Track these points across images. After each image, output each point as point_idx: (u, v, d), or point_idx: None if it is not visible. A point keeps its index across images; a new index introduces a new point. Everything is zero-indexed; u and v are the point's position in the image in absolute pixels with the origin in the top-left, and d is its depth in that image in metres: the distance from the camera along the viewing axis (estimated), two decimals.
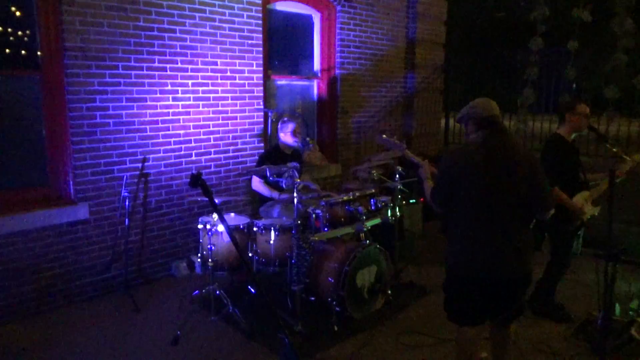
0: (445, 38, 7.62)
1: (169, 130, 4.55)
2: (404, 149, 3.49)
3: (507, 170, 2.53)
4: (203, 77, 4.71)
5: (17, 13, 3.86)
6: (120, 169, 4.27)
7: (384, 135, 3.72)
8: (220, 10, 4.76)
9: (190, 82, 4.62)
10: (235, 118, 5.04)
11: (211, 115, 4.84)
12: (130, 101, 4.27)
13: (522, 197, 2.54)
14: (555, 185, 3.51)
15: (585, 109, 3.69)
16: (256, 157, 5.24)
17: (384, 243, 4.08)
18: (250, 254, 3.91)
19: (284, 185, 3.79)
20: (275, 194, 4.34)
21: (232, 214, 4.39)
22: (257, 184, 4.51)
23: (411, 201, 5.24)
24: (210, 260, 3.79)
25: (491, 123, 2.63)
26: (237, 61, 4.96)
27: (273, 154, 4.53)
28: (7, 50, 3.83)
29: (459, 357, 2.83)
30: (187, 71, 4.59)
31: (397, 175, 4.39)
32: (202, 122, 4.78)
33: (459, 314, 2.76)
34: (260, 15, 5.11)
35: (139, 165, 4.38)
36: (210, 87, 4.79)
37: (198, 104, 4.72)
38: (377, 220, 4.21)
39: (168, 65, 4.46)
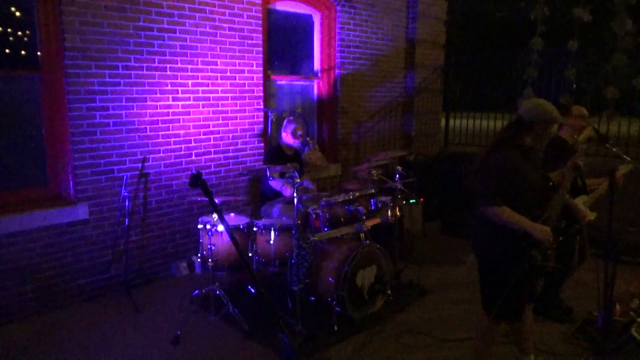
0: (445, 38, 7.61)
1: (168, 130, 4.55)
2: None
3: (473, 166, 2.87)
4: (203, 77, 4.71)
5: (17, 13, 3.86)
6: (120, 169, 4.27)
7: None
8: (220, 10, 4.76)
9: (190, 82, 4.62)
10: (235, 118, 5.04)
11: (211, 115, 4.84)
12: (130, 101, 4.27)
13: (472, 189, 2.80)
14: None
15: (580, 112, 3.71)
16: (256, 157, 5.25)
17: (384, 243, 4.08)
18: (250, 254, 3.91)
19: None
20: (286, 190, 4.26)
21: (232, 214, 4.38)
22: (271, 181, 4.45)
23: (411, 201, 5.24)
24: (210, 260, 3.79)
25: None
26: (237, 61, 4.96)
27: (275, 154, 4.53)
28: (7, 50, 3.83)
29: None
30: (187, 71, 4.59)
31: (397, 175, 4.40)
32: (202, 122, 4.78)
33: None
34: (260, 15, 5.11)
35: (139, 165, 4.38)
36: (210, 87, 4.79)
37: (198, 104, 4.72)
38: (377, 220, 4.21)
39: (168, 65, 4.46)
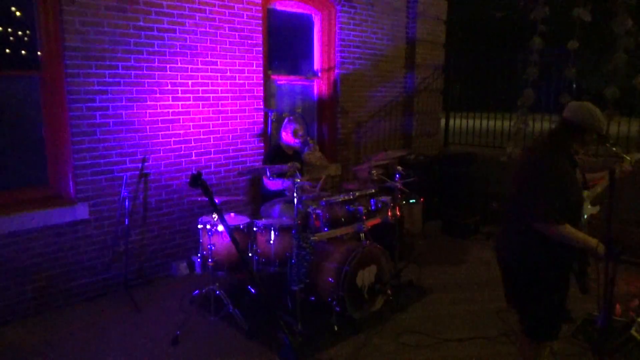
0: (445, 38, 7.61)
1: (169, 130, 4.55)
2: None
3: (514, 173, 2.76)
4: (203, 77, 4.71)
5: (17, 13, 3.86)
6: (120, 169, 4.27)
7: None
8: (220, 10, 4.76)
9: (190, 81, 4.62)
10: (235, 118, 5.04)
11: (211, 115, 4.84)
12: (130, 101, 4.27)
13: (515, 199, 2.69)
14: None
15: None
16: (256, 157, 5.25)
17: (384, 243, 4.08)
18: (250, 254, 3.91)
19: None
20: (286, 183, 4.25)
21: (232, 214, 4.39)
22: (268, 181, 4.46)
23: (411, 201, 5.24)
24: (210, 260, 3.79)
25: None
26: (237, 61, 4.96)
27: (275, 154, 4.53)
28: (7, 50, 3.83)
29: None
30: (187, 71, 4.59)
31: (397, 175, 4.39)
32: (202, 122, 4.78)
33: None
34: (260, 15, 5.11)
35: (139, 165, 4.38)
36: (210, 87, 4.79)
37: (198, 104, 4.72)
38: (377, 220, 4.21)
39: (168, 65, 4.46)
